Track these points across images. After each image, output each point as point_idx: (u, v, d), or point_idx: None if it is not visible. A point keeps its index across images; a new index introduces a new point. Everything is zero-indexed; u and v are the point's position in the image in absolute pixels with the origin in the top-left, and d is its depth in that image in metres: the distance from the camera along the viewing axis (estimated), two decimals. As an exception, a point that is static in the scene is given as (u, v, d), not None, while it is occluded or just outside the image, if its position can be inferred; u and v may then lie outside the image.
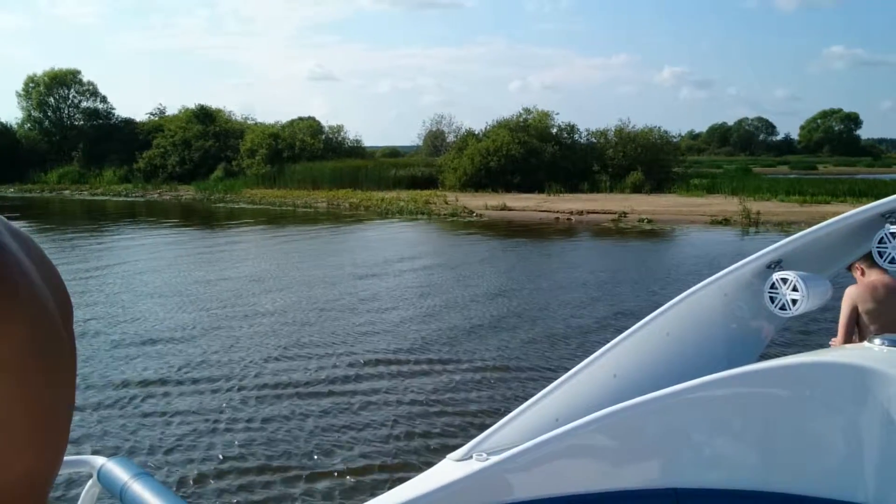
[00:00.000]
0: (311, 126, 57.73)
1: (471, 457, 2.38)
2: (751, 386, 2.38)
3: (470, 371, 9.61)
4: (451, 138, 58.79)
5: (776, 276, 2.96)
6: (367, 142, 66.37)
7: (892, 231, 2.95)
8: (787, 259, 3.05)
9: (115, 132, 63.50)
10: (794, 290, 2.90)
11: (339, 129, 58.85)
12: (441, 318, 12.74)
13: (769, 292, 2.98)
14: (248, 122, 62.37)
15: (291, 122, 59.32)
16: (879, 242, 2.98)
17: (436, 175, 48.43)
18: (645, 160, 45.04)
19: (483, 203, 36.51)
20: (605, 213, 32.37)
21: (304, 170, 49.86)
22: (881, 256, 2.98)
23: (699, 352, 3.15)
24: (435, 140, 63.29)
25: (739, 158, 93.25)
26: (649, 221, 29.67)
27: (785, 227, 26.41)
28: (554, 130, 49.26)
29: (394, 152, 74.32)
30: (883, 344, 2.52)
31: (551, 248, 22.97)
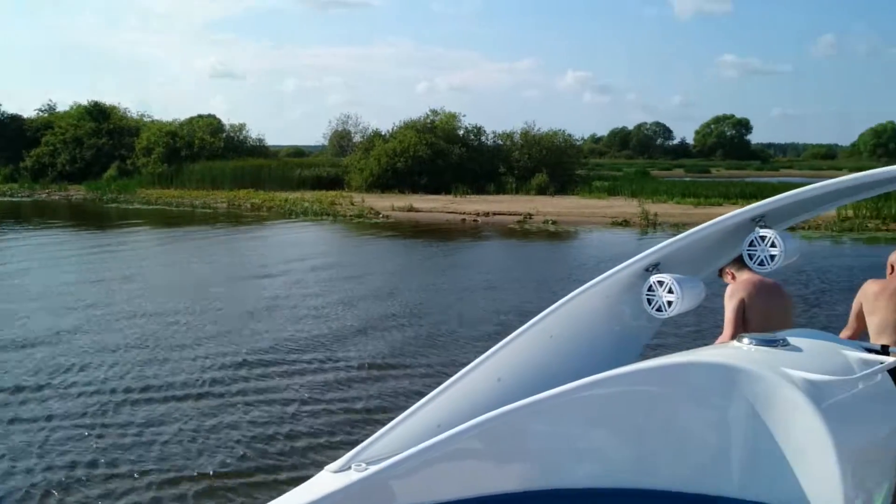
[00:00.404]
0: (210, 124, 55.99)
1: (349, 467, 2.32)
2: (628, 386, 2.41)
3: (362, 370, 9.39)
4: (357, 138, 58.23)
5: (653, 278, 3.04)
6: (271, 141, 64.96)
7: (761, 234, 3.06)
8: (665, 262, 3.12)
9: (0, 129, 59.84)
10: (670, 291, 2.99)
11: (241, 127, 57.40)
12: (337, 319, 12.43)
13: (647, 294, 3.05)
14: (145, 119, 60.00)
15: (190, 120, 57.31)
16: (750, 245, 3.09)
17: (342, 176, 47.82)
18: (550, 162, 45.81)
19: (390, 204, 36.26)
20: (510, 214, 32.66)
21: (204, 169, 48.30)
22: (751, 259, 3.09)
23: (583, 353, 3.18)
24: (341, 140, 62.55)
25: (638, 162, 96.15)
26: (553, 223, 30.10)
27: (681, 228, 27.19)
28: (461, 132, 49.50)
29: (298, 152, 73.02)
30: (751, 343, 2.64)
31: (457, 249, 22.94)
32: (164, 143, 51.92)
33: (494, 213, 33.08)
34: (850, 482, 2.21)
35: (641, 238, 25.85)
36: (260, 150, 57.31)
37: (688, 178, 56.28)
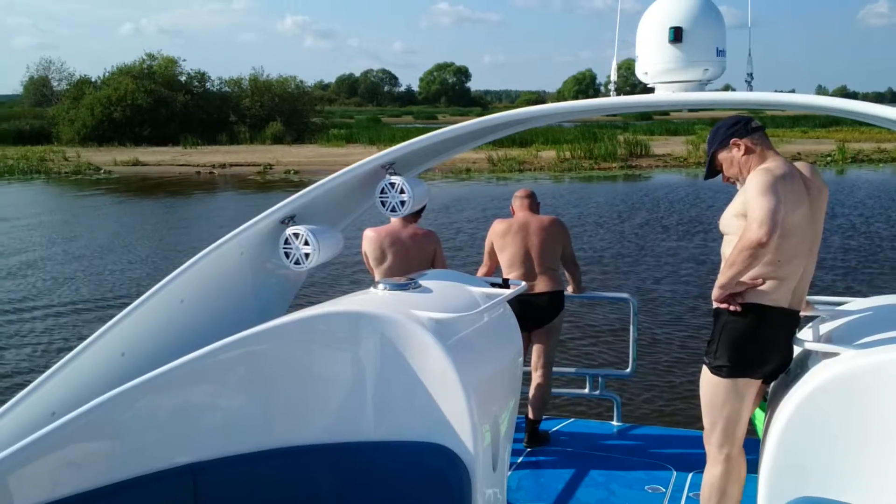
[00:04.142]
0: None
1: None
2: (256, 346, 2.38)
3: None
4: (62, 86, 52.08)
5: (289, 231, 3.03)
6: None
7: (391, 181, 3.14)
8: (300, 213, 3.11)
9: None
10: (306, 244, 2.99)
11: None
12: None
13: (283, 247, 3.03)
14: None
15: None
16: (381, 193, 3.19)
17: (48, 128, 42.68)
18: (283, 110, 44.55)
19: (111, 158, 33.17)
20: (249, 165, 31.41)
21: None
22: (384, 206, 3.21)
23: (219, 316, 3.07)
24: (42, 88, 55.55)
25: (369, 109, 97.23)
26: (296, 172, 29.41)
27: (422, 175, 27.88)
28: (183, 78, 46.48)
29: (-14, 103, 63.64)
30: (385, 288, 2.76)
31: (197, 205, 21.49)
32: None
33: (231, 165, 31.61)
34: (476, 411, 2.36)
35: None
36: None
37: (419, 125, 57.82)
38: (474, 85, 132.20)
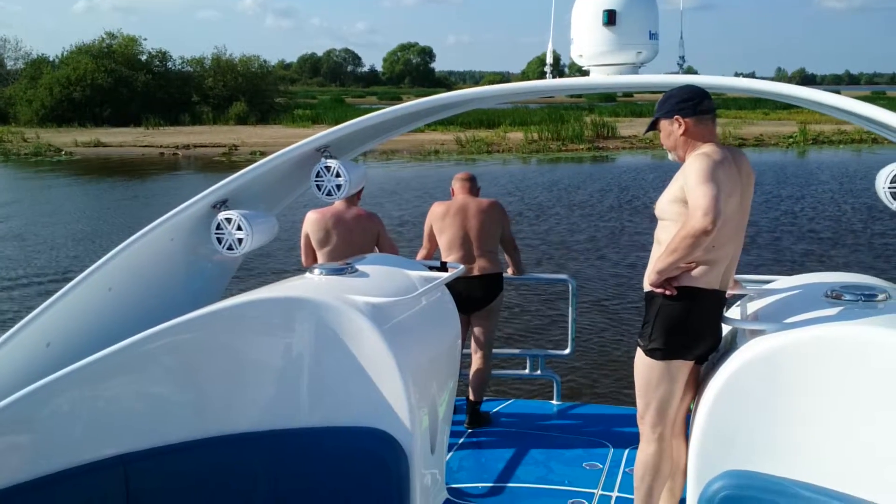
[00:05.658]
0: None
1: None
2: (187, 333, 2.33)
3: None
4: (18, 65, 50.81)
5: (221, 216, 2.94)
6: None
7: (326, 165, 3.08)
8: (233, 198, 3.03)
9: None
10: (239, 228, 2.92)
11: None
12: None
13: (216, 233, 2.96)
14: None
15: None
16: (317, 176, 3.10)
17: (5, 108, 41.70)
18: (247, 90, 44.03)
19: (71, 139, 32.45)
20: (214, 146, 31.01)
21: None
22: (319, 190, 3.12)
23: (149, 304, 2.98)
24: (-3, 67, 54.13)
25: (332, 89, 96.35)
26: (262, 154, 29.12)
27: (389, 157, 27.97)
28: (144, 57, 45.59)
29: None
30: (321, 273, 2.72)
31: (161, 187, 21.24)
32: None
33: (195, 146, 31.22)
34: (413, 395, 2.37)
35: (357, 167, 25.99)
36: None
37: (384, 105, 57.30)
38: (439, 65, 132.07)
